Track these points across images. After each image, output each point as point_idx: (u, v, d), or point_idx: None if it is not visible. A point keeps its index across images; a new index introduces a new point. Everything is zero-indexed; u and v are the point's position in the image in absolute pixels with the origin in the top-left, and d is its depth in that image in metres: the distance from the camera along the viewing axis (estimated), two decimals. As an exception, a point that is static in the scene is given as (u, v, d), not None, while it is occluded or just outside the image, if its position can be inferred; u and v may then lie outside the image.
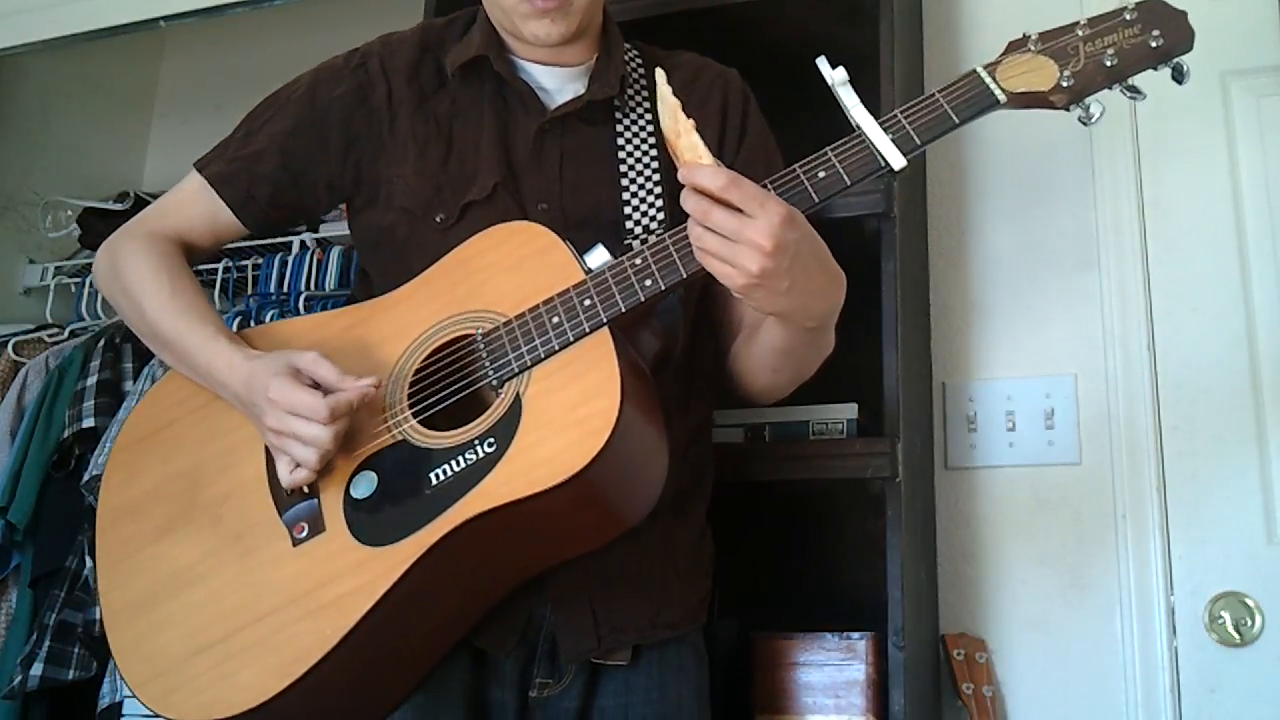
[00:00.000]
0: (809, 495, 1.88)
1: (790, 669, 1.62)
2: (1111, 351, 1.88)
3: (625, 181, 1.33)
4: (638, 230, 1.31)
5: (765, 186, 1.15)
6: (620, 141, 1.36)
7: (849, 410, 1.77)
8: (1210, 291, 1.86)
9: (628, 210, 1.32)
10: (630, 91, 1.39)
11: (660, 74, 1.19)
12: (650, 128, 1.37)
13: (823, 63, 1.16)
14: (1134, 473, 1.83)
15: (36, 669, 2.08)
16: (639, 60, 1.43)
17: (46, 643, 2.11)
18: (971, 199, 2.03)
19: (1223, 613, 1.75)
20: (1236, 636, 1.74)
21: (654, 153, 1.35)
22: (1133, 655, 1.77)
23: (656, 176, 1.34)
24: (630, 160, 1.35)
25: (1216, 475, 1.80)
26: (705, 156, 1.10)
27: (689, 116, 1.14)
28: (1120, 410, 1.86)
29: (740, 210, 1.08)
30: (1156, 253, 1.90)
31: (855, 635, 1.60)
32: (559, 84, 1.37)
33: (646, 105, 1.39)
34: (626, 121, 1.37)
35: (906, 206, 1.78)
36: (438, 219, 1.30)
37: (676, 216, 1.21)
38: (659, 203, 1.33)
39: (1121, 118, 1.93)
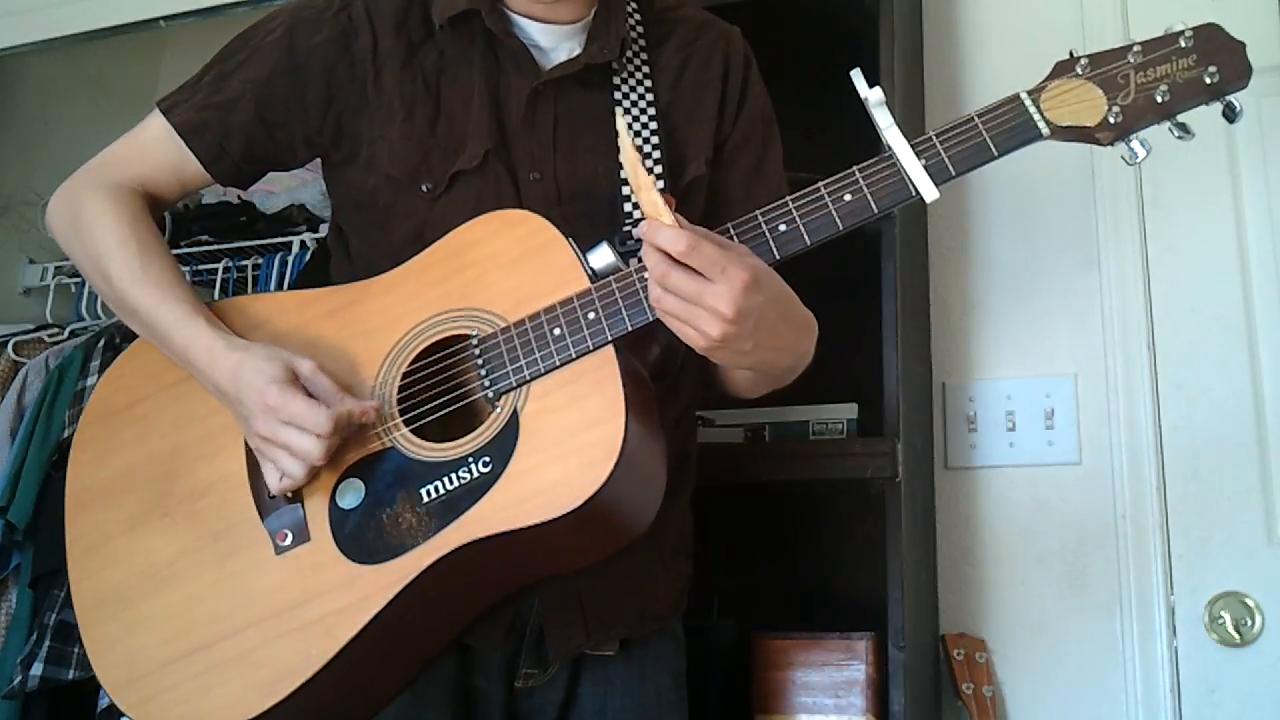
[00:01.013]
0: (809, 495, 1.88)
1: (790, 669, 1.62)
2: (1111, 351, 1.88)
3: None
4: (636, 215, 1.24)
5: (756, 219, 1.10)
6: (618, 111, 1.27)
7: (849, 410, 1.77)
8: (1210, 291, 1.86)
9: (626, 190, 1.25)
10: (629, 54, 1.30)
11: (621, 122, 1.12)
12: (650, 96, 1.30)
13: (858, 78, 1.10)
14: (1134, 473, 1.83)
15: (36, 669, 2.08)
16: (638, 18, 1.34)
17: (46, 642, 2.11)
18: (971, 199, 2.03)
19: (1223, 613, 1.75)
20: (1236, 636, 1.74)
21: (654, 125, 1.28)
22: (1133, 655, 1.78)
23: (657, 155, 1.27)
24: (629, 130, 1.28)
25: (1216, 475, 1.80)
26: (665, 215, 1.03)
27: (695, 86, 1.06)
28: (1120, 410, 1.86)
29: (700, 274, 1.02)
30: (1156, 253, 1.90)
31: (855, 635, 1.60)
32: (554, 42, 1.28)
33: (646, 70, 1.31)
34: (625, 88, 1.30)
35: (907, 207, 1.77)
36: (424, 188, 1.23)
37: (677, 193, 1.16)
38: (659, 183, 1.26)
39: (1121, 118, 1.93)
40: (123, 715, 2.04)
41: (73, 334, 2.52)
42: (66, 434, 2.21)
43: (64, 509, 1.25)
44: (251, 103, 1.26)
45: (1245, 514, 1.77)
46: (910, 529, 1.64)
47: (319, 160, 1.34)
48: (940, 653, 1.81)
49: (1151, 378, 1.85)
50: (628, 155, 1.08)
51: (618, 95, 1.29)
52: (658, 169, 1.26)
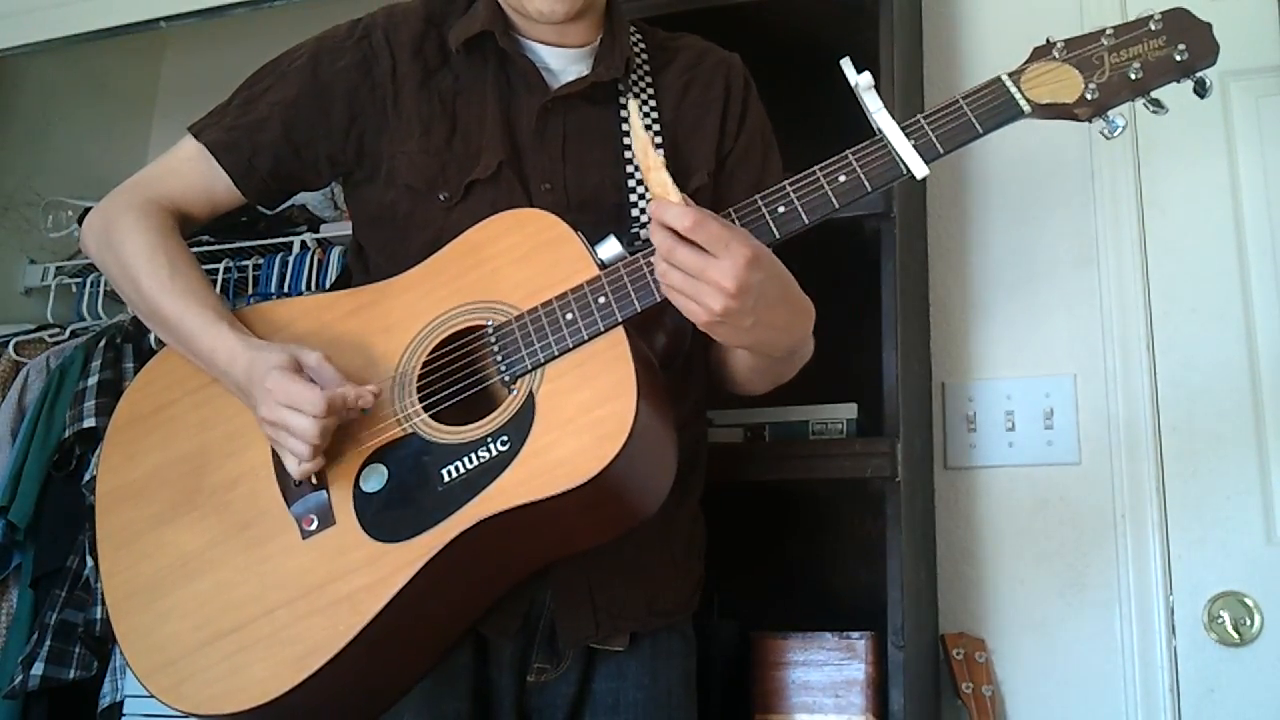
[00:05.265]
0: (809, 495, 1.88)
1: (790, 668, 1.62)
2: (1111, 351, 1.88)
3: (630, 169, 1.32)
4: (644, 219, 1.29)
5: (756, 203, 1.15)
6: (625, 128, 1.34)
7: (849, 410, 1.77)
8: (1209, 291, 1.86)
9: (633, 198, 1.31)
10: (635, 76, 1.37)
11: (633, 105, 1.19)
12: (655, 114, 1.36)
13: (847, 65, 1.15)
14: (1133, 473, 1.83)
15: (37, 668, 2.08)
16: (642, 44, 1.42)
17: (47, 642, 2.11)
18: (971, 199, 2.03)
19: (1222, 612, 1.75)
20: (1235, 636, 1.74)
21: (659, 140, 1.35)
22: (1132, 655, 1.78)
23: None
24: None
25: (1215, 475, 1.80)
26: (673, 194, 1.09)
27: (698, 105, 1.10)
28: (1119, 410, 1.86)
29: (705, 249, 1.07)
30: (1156, 253, 1.90)
31: (855, 635, 1.61)
32: (563, 64, 1.35)
33: (651, 91, 1.38)
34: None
35: (906, 207, 1.78)
36: (441, 197, 1.29)
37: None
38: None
39: (1121, 118, 1.94)
40: (124, 716, 2.05)
41: (74, 334, 2.52)
42: (67, 434, 2.22)
43: (92, 511, 1.29)
44: (279, 123, 1.33)
45: (1244, 514, 1.77)
46: (910, 529, 1.64)
47: None
48: (940, 652, 1.81)
49: (1151, 377, 1.86)
50: (638, 136, 1.14)
51: (624, 114, 1.34)
52: None
